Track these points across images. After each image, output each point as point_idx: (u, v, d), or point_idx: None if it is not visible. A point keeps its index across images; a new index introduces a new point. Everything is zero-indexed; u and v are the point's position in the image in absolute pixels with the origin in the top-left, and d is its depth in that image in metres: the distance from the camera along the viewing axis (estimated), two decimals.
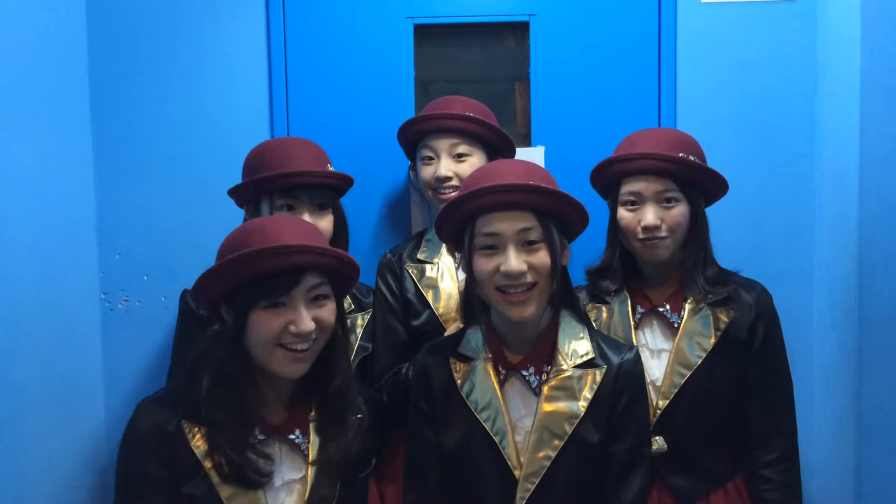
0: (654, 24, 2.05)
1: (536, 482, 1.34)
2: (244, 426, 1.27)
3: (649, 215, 1.55)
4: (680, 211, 1.57)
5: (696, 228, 1.60)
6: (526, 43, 2.07)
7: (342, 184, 1.72)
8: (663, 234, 1.56)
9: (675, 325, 1.60)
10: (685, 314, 1.59)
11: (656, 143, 1.58)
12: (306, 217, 1.62)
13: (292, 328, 1.24)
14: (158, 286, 2.00)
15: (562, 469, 1.34)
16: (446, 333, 1.67)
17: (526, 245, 1.33)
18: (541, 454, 1.35)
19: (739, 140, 2.02)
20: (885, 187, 1.69)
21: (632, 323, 1.62)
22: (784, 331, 1.67)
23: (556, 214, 1.36)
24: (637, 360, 1.42)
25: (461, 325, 1.57)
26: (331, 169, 1.69)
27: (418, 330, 1.76)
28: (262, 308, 1.24)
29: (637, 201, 1.58)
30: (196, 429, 1.26)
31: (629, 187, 1.58)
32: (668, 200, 1.56)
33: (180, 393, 1.31)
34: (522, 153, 2.02)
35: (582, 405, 1.36)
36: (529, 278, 1.32)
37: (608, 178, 1.64)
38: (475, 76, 2.16)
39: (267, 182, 1.63)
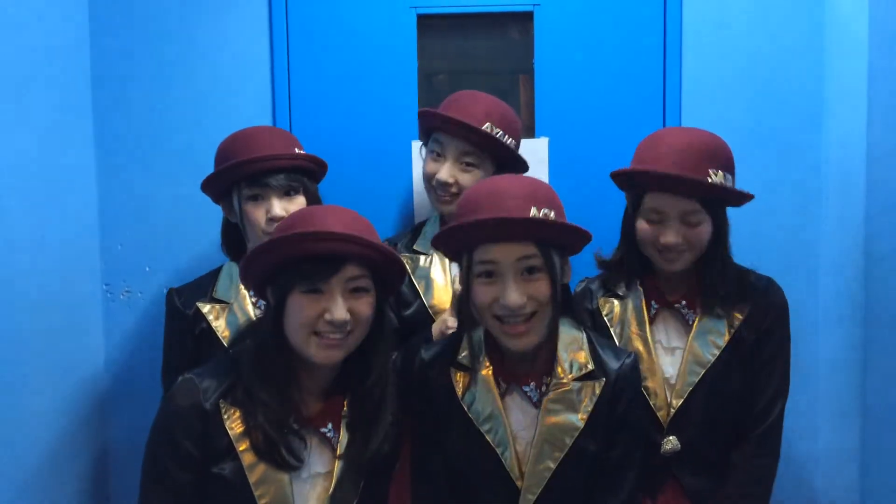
0: (659, 15, 2.02)
1: (538, 493, 1.35)
2: (282, 406, 1.29)
3: (671, 235, 1.49)
4: (703, 230, 1.50)
5: (718, 244, 1.54)
6: (530, 34, 2.05)
7: (312, 166, 1.67)
8: (682, 248, 1.51)
9: (690, 322, 1.58)
10: (699, 311, 1.57)
11: (685, 158, 1.45)
12: (274, 204, 1.59)
13: (327, 316, 1.25)
14: (160, 277, 2.00)
15: (562, 479, 1.35)
16: (433, 328, 1.66)
17: (525, 273, 1.30)
18: (542, 466, 1.35)
19: (746, 134, 2.00)
20: (891, 181, 1.67)
21: (646, 318, 1.60)
22: (790, 324, 1.65)
23: (557, 242, 1.33)
24: (634, 365, 1.42)
25: (448, 325, 1.57)
26: (298, 152, 1.65)
27: (408, 320, 1.74)
28: (301, 292, 1.26)
29: (659, 218, 1.51)
30: (233, 410, 1.28)
31: (652, 203, 1.50)
32: (692, 222, 1.50)
33: (221, 372, 1.32)
34: (526, 144, 2.00)
35: (581, 417, 1.36)
36: (528, 309, 1.30)
37: (629, 184, 1.58)
38: (479, 68, 2.14)
39: (231, 172, 1.60)
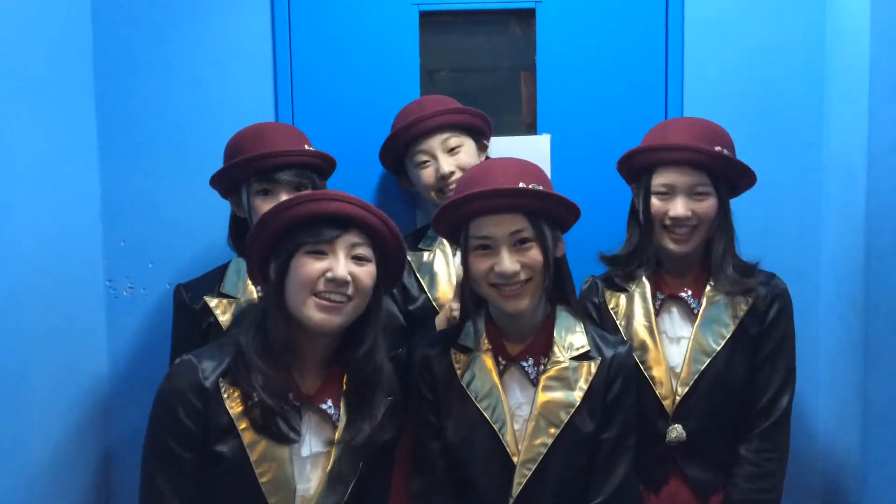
0: (661, 12, 2.03)
1: (533, 468, 1.39)
2: (281, 376, 1.31)
3: (679, 207, 1.55)
4: (710, 203, 1.57)
5: (724, 220, 1.60)
6: (532, 31, 2.06)
7: (321, 163, 1.69)
8: (693, 223, 1.56)
9: (695, 312, 1.60)
10: (705, 301, 1.60)
11: (691, 134, 1.56)
12: (283, 199, 1.57)
13: (329, 274, 1.29)
14: (163, 273, 2.01)
15: (557, 455, 1.40)
16: (437, 318, 1.70)
17: (518, 244, 1.37)
18: (538, 441, 1.39)
19: (747, 130, 1.99)
20: (893, 177, 1.67)
21: (652, 309, 1.62)
22: None
23: (546, 213, 1.40)
24: (629, 353, 1.49)
25: (451, 308, 1.62)
26: (308, 149, 1.67)
27: (414, 315, 1.77)
28: (305, 253, 1.30)
29: (668, 192, 1.57)
30: (232, 389, 1.29)
31: (662, 178, 1.57)
32: (700, 194, 1.56)
33: (220, 353, 1.33)
34: (528, 141, 2.01)
35: (577, 395, 1.41)
36: (523, 276, 1.38)
37: (640, 166, 1.62)
38: (481, 65, 2.15)
39: (242, 167, 1.62)
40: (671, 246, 1.59)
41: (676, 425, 1.58)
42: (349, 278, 1.29)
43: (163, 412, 1.29)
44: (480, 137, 1.85)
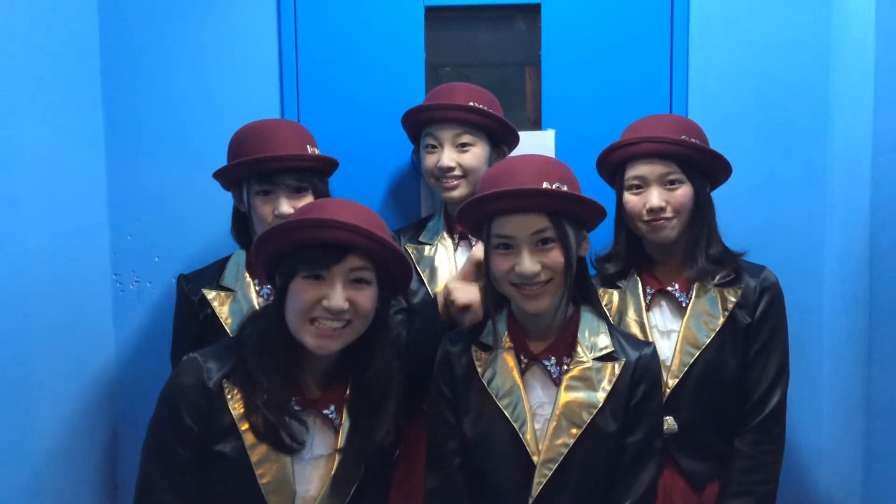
0: (666, 8, 2.03)
1: (554, 468, 1.37)
2: (283, 390, 1.30)
3: (653, 198, 1.58)
4: (684, 192, 1.59)
5: (701, 210, 1.62)
6: (537, 26, 2.06)
7: (321, 165, 1.69)
8: (668, 215, 1.59)
9: (684, 305, 1.62)
10: (693, 294, 1.61)
11: (658, 127, 1.61)
12: (283, 201, 1.61)
13: (325, 302, 1.27)
14: (169, 267, 2.01)
15: (578, 456, 1.38)
16: (438, 295, 1.70)
17: (540, 245, 1.36)
18: (559, 441, 1.38)
19: (751, 125, 2.01)
20: None
21: (643, 304, 1.64)
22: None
23: (569, 213, 1.38)
24: (654, 355, 1.46)
25: (449, 290, 1.63)
26: (311, 150, 1.66)
27: (414, 308, 1.77)
28: (303, 278, 1.29)
29: (641, 185, 1.61)
30: (236, 390, 1.30)
31: (633, 171, 1.61)
32: (672, 182, 1.59)
33: (225, 354, 1.34)
34: (532, 136, 2.01)
35: (601, 396, 1.39)
36: (543, 276, 1.36)
37: (613, 164, 1.66)
38: (485, 60, 2.15)
39: (243, 168, 1.63)
40: (653, 235, 1.61)
41: (668, 417, 1.58)
42: (346, 306, 1.28)
43: (166, 410, 1.30)
44: (500, 144, 1.84)
